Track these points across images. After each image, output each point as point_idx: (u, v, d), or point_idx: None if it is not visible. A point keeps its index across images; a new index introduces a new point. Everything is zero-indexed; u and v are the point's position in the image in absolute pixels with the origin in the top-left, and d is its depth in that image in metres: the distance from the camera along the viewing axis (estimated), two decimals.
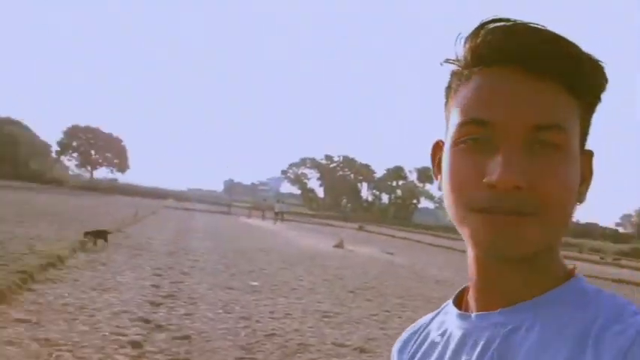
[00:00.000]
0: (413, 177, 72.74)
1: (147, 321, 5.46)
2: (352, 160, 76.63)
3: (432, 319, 0.65)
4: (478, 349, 0.54)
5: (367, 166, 76.54)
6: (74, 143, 72.32)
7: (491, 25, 0.52)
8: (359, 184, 77.60)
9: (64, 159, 74.09)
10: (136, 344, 4.64)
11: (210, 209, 43.57)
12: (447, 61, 0.57)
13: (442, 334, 0.60)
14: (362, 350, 5.41)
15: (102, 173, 76.56)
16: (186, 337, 5.07)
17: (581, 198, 0.55)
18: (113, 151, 74.89)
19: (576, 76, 0.51)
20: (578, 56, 0.51)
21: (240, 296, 7.43)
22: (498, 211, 0.49)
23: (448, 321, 0.61)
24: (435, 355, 0.59)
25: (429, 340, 0.62)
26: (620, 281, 17.50)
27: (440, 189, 0.57)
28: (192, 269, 9.52)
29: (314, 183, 78.60)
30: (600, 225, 62.32)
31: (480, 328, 0.55)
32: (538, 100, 0.50)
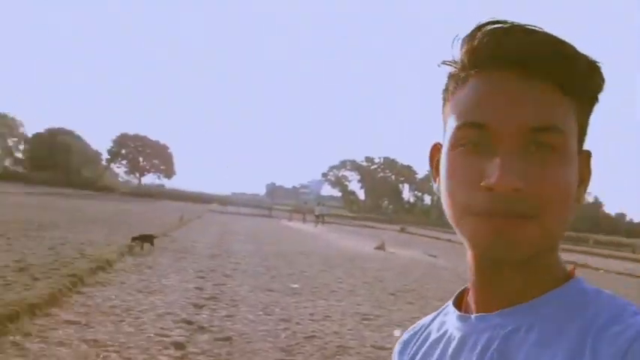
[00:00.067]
0: None
1: (190, 322, 5.59)
2: (393, 161, 76.04)
3: (433, 320, 0.65)
4: (477, 350, 0.54)
5: (409, 167, 75.78)
6: (123, 151, 75.02)
7: (488, 27, 0.52)
8: (400, 186, 76.90)
9: (114, 166, 77.03)
10: (179, 345, 4.76)
11: (252, 213, 44.23)
12: (444, 63, 0.57)
13: (442, 335, 0.60)
14: None
15: (149, 179, 79.19)
16: (228, 339, 5.17)
17: (579, 199, 0.55)
18: (160, 157, 77.21)
19: (573, 78, 0.51)
20: (574, 57, 0.51)
21: (280, 298, 7.51)
22: (497, 213, 0.49)
23: (448, 322, 0.61)
24: (435, 356, 0.59)
25: (429, 341, 0.62)
26: None
27: (438, 191, 0.58)
28: (234, 272, 9.68)
29: (355, 185, 78.53)
30: None
31: (479, 329, 0.55)
32: (535, 102, 0.50)
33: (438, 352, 0.59)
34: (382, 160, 77.04)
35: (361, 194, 78.27)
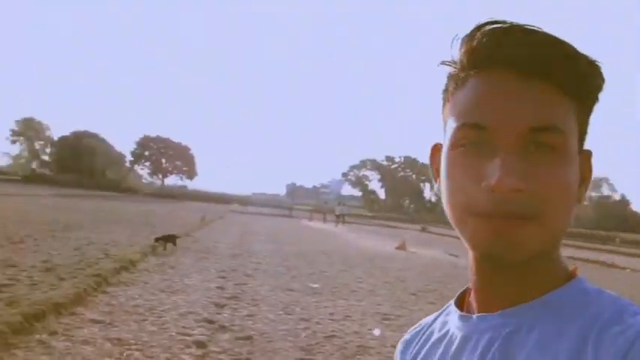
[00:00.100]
0: None
1: (211, 322, 5.65)
2: (414, 160, 75.46)
3: (435, 319, 0.66)
4: (479, 350, 0.54)
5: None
6: (146, 153, 76.17)
7: (487, 28, 0.52)
8: (421, 185, 76.29)
9: (138, 168, 78.28)
10: (200, 344, 4.81)
11: (272, 213, 44.43)
12: (443, 63, 0.57)
13: (444, 335, 0.61)
14: None
15: (172, 180, 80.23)
16: (249, 338, 5.21)
17: (580, 198, 0.55)
18: (182, 159, 78.15)
19: (572, 77, 0.51)
20: (574, 57, 0.51)
21: (300, 298, 7.54)
22: (497, 214, 0.49)
23: (450, 322, 0.61)
24: (437, 355, 0.60)
25: (431, 341, 0.63)
26: None
27: (438, 192, 0.58)
28: (255, 271, 9.75)
29: (375, 184, 78.21)
30: None
31: (480, 329, 0.55)
32: (534, 102, 0.50)
33: (439, 351, 0.60)
34: (403, 159, 76.55)
35: (382, 194, 77.96)
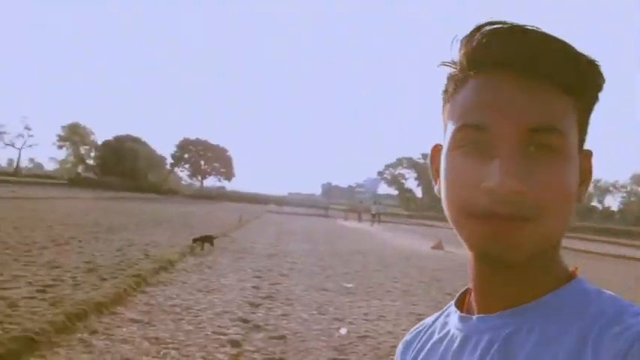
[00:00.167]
0: None
1: (246, 321, 5.73)
2: None
3: (435, 320, 0.66)
4: (479, 351, 0.54)
5: None
6: (186, 155, 77.97)
7: (487, 28, 0.52)
8: None
9: (178, 170, 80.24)
10: (235, 343, 4.89)
11: (308, 212, 44.68)
12: (443, 64, 0.57)
13: (444, 336, 0.61)
14: None
15: (211, 182, 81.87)
16: (282, 337, 5.25)
17: (580, 198, 0.55)
18: (220, 161, 79.62)
19: (572, 77, 0.51)
20: (573, 57, 0.51)
21: (334, 298, 7.55)
22: (496, 215, 0.49)
23: (450, 323, 0.61)
24: (437, 356, 0.60)
25: (431, 342, 0.63)
26: None
27: (438, 193, 0.58)
28: (290, 271, 9.83)
29: (411, 183, 77.43)
30: None
31: (480, 330, 0.56)
32: (534, 102, 0.50)
33: (440, 352, 0.60)
34: None
35: (418, 192, 77.03)
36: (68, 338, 4.44)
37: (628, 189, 72.80)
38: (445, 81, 0.57)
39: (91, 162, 72.28)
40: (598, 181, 73.92)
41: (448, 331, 0.61)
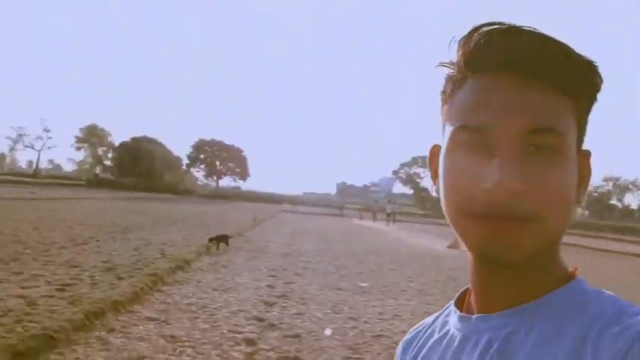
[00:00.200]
0: None
1: (261, 320, 5.76)
2: None
3: (435, 320, 0.66)
4: (478, 351, 0.54)
5: None
6: (201, 156, 78.56)
7: (484, 29, 0.52)
8: None
9: (193, 170, 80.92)
10: (250, 342, 4.92)
11: (323, 212, 44.70)
12: (441, 64, 0.57)
13: (444, 336, 0.61)
14: None
15: (226, 182, 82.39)
16: (297, 336, 5.27)
17: (579, 199, 0.55)
18: (235, 161, 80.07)
19: (570, 78, 0.51)
20: (571, 58, 0.51)
21: (349, 297, 7.54)
22: (495, 216, 0.50)
23: (450, 322, 0.62)
24: (437, 356, 0.60)
25: (431, 341, 0.63)
26: None
27: (437, 193, 0.58)
28: (305, 270, 9.84)
29: (427, 182, 76.86)
30: None
31: (479, 330, 0.56)
32: (532, 103, 0.50)
33: (439, 352, 0.60)
34: None
35: (434, 191, 76.43)
36: (86, 336, 4.52)
37: None
38: (443, 82, 0.58)
39: (108, 163, 73.24)
40: (617, 179, 72.84)
41: (448, 331, 0.61)
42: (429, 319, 0.67)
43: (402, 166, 77.38)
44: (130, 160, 64.71)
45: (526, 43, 0.50)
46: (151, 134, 72.81)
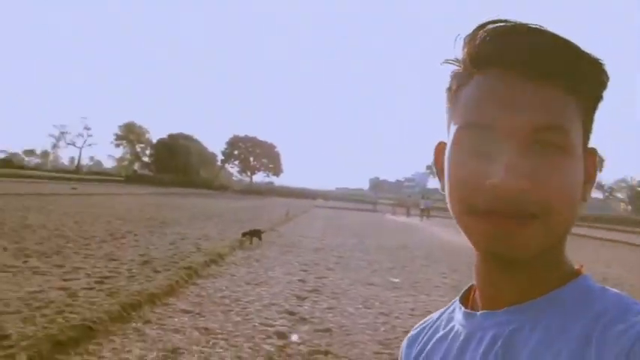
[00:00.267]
0: None
1: (292, 313, 5.81)
2: None
3: (440, 316, 0.66)
4: (482, 347, 0.54)
5: None
6: (235, 152, 79.68)
7: (490, 27, 0.52)
8: None
9: (228, 166, 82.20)
10: (281, 335, 4.98)
11: (356, 207, 44.59)
12: (447, 62, 0.57)
13: (449, 332, 0.61)
14: None
15: (259, 177, 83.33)
16: (328, 330, 5.29)
17: (585, 196, 0.55)
18: (269, 157, 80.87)
19: (576, 76, 0.51)
20: (577, 55, 0.50)
21: (380, 292, 7.52)
22: (500, 213, 0.50)
23: (455, 319, 0.62)
24: (442, 352, 0.60)
25: (436, 337, 0.63)
26: None
27: (443, 190, 0.58)
28: (337, 265, 9.87)
29: None
30: None
31: (484, 326, 0.56)
32: (538, 101, 0.50)
33: (444, 348, 0.60)
34: None
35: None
36: (123, 327, 4.67)
37: None
38: (449, 79, 0.57)
39: (146, 159, 75.21)
40: None
41: (453, 327, 0.61)
42: (434, 315, 0.68)
43: None
44: (166, 157, 66.24)
45: (532, 40, 0.50)
46: (187, 131, 74.24)
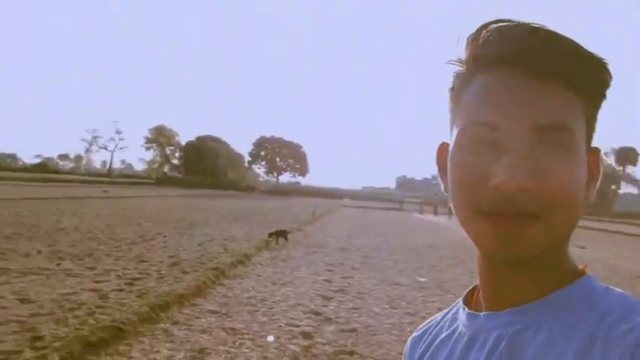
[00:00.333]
0: (610, 159, 64.02)
1: (318, 313, 5.83)
2: None
3: (444, 317, 0.66)
4: (486, 348, 0.54)
5: None
6: (262, 153, 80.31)
7: (493, 26, 0.52)
8: None
9: (255, 167, 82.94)
10: (307, 335, 5.00)
11: (383, 206, 44.37)
12: (450, 62, 0.57)
13: (452, 333, 0.61)
14: None
15: (286, 178, 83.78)
16: (353, 330, 5.29)
17: (589, 196, 0.54)
18: (295, 157, 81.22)
19: (579, 75, 0.50)
20: (580, 55, 0.50)
21: (406, 292, 7.47)
22: (503, 213, 0.49)
23: (458, 320, 0.62)
24: (445, 353, 0.60)
25: (439, 338, 0.63)
26: None
27: (446, 191, 0.58)
28: (362, 265, 9.85)
29: None
30: None
31: (488, 327, 0.55)
32: (541, 100, 0.50)
33: (447, 349, 0.60)
34: None
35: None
36: (152, 328, 4.76)
37: None
38: (452, 79, 0.57)
39: (175, 162, 76.56)
40: None
41: (456, 328, 0.61)
42: (437, 316, 0.67)
43: None
44: (195, 159, 67.29)
45: (535, 39, 0.50)
46: (215, 133, 75.32)
